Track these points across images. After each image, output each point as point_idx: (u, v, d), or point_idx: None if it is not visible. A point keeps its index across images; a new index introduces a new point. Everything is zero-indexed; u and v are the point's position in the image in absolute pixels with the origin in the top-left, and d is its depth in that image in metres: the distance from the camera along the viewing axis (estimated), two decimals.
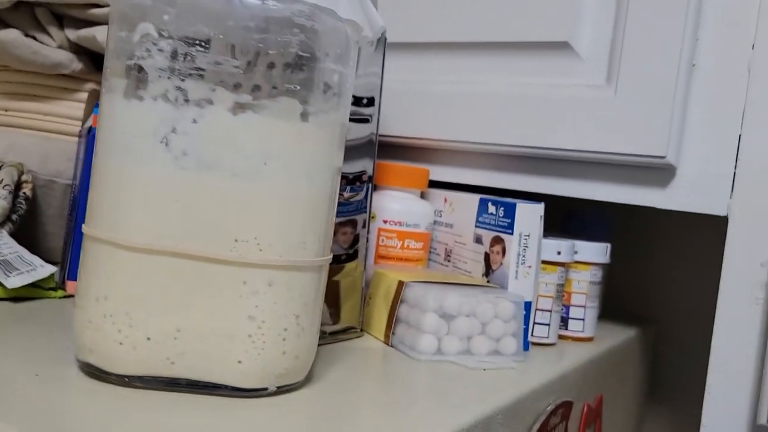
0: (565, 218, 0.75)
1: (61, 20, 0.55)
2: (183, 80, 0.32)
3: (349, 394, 0.38)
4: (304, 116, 0.34)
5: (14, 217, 0.52)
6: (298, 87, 0.34)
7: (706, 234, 0.82)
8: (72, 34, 0.54)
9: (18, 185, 0.53)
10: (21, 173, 0.54)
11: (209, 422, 0.31)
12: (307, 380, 0.38)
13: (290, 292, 0.34)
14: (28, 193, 0.54)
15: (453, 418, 0.36)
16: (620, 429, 0.70)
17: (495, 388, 0.43)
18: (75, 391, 0.32)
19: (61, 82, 0.56)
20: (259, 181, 0.33)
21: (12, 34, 0.53)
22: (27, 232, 0.56)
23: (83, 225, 0.35)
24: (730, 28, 0.53)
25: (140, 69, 0.33)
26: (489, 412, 0.38)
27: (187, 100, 0.32)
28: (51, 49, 0.54)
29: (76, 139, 0.56)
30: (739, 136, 0.52)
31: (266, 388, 0.34)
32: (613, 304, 0.84)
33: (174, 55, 0.32)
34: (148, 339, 0.33)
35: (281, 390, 0.35)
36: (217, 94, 0.32)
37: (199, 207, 0.32)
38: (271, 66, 0.33)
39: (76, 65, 0.55)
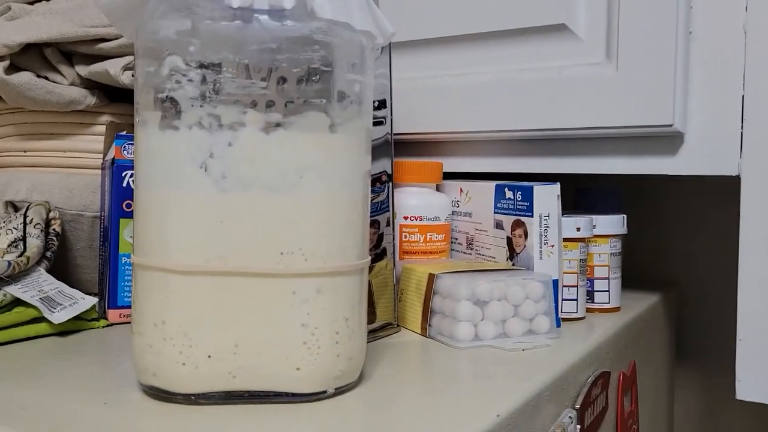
0: (576, 195, 0.76)
1: (71, 58, 0.56)
2: (215, 106, 0.34)
3: (400, 387, 0.39)
4: (332, 128, 0.35)
5: (48, 254, 0.53)
6: (323, 100, 0.35)
7: (717, 194, 0.84)
8: (83, 70, 0.55)
9: (47, 223, 0.55)
10: (48, 211, 0.55)
11: (284, 428, 0.32)
12: (360, 379, 0.40)
13: (337, 297, 0.36)
14: (58, 229, 0.55)
15: (503, 399, 0.38)
16: (654, 393, 0.72)
17: (537, 366, 0.44)
18: (145, 414, 0.34)
19: (76, 118, 0.58)
20: (297, 194, 0.34)
21: (24, 77, 0.54)
22: (59, 266, 0.57)
23: (132, 255, 0.36)
24: None
25: (172, 100, 0.34)
26: (537, 389, 0.40)
27: (220, 125, 0.34)
28: (64, 87, 0.55)
29: (99, 171, 0.57)
30: (742, 96, 0.54)
31: (325, 391, 0.36)
32: (634, 273, 0.85)
33: (203, 84, 0.33)
34: (209, 357, 0.34)
35: (339, 391, 0.37)
36: (248, 116, 0.34)
37: (244, 225, 0.34)
38: (295, 83, 0.34)
39: (90, 100, 0.56)
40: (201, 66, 0.33)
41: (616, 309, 0.62)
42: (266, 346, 0.34)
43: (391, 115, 0.53)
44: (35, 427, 0.32)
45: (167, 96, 0.34)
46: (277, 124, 0.34)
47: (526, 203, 0.55)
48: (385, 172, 0.52)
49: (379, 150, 0.52)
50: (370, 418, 0.34)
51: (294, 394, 0.35)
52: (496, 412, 0.35)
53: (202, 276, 0.34)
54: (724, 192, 0.83)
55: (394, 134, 0.68)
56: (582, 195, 0.76)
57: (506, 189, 0.57)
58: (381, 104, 0.52)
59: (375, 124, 0.51)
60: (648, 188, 0.87)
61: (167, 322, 0.34)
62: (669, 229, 0.87)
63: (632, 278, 0.79)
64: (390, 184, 0.53)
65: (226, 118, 0.34)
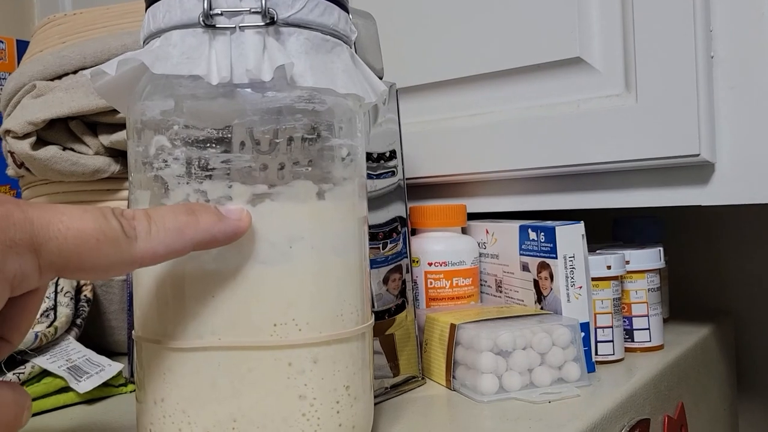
0: (614, 225, 0.73)
1: (95, 128, 0.58)
2: (201, 182, 0.34)
3: None
4: (320, 195, 0.35)
5: (78, 321, 0.55)
6: (310, 168, 0.35)
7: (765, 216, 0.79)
8: (106, 139, 0.57)
9: (78, 289, 0.56)
10: None
11: None
12: None
13: (336, 365, 0.35)
14: (89, 294, 0.57)
15: None
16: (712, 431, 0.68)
17: (560, 421, 0.42)
18: None
19: (104, 185, 0.59)
20: (287, 265, 0.34)
21: (50, 152, 0.56)
22: (95, 329, 0.59)
23: (132, 330, 0.37)
24: (743, 13, 0.51)
25: (161, 179, 0.34)
26: None
27: (207, 201, 0.34)
28: (88, 157, 0.57)
29: None
30: None
31: None
32: (687, 304, 0.81)
33: (189, 161, 0.34)
34: None
35: None
36: (234, 189, 0.34)
37: (236, 299, 0.34)
38: (280, 153, 0.34)
39: (114, 167, 0.58)
40: (186, 144, 0.34)
41: (659, 347, 0.59)
42: (264, 420, 0.34)
43: (402, 162, 0.52)
44: None
45: (155, 175, 0.34)
46: (264, 196, 0.34)
47: (549, 245, 0.53)
48: (399, 217, 0.51)
49: (390, 196, 0.51)
50: None
51: None
52: None
53: (196, 352, 0.34)
54: None
55: (416, 178, 0.67)
56: (620, 226, 0.73)
57: (530, 230, 0.55)
58: (392, 154, 0.52)
59: (387, 175, 0.51)
60: (698, 212, 0.83)
61: (166, 400, 0.34)
62: (723, 254, 0.82)
63: (684, 310, 0.76)
64: (405, 228, 0.52)
65: (213, 193, 0.34)
